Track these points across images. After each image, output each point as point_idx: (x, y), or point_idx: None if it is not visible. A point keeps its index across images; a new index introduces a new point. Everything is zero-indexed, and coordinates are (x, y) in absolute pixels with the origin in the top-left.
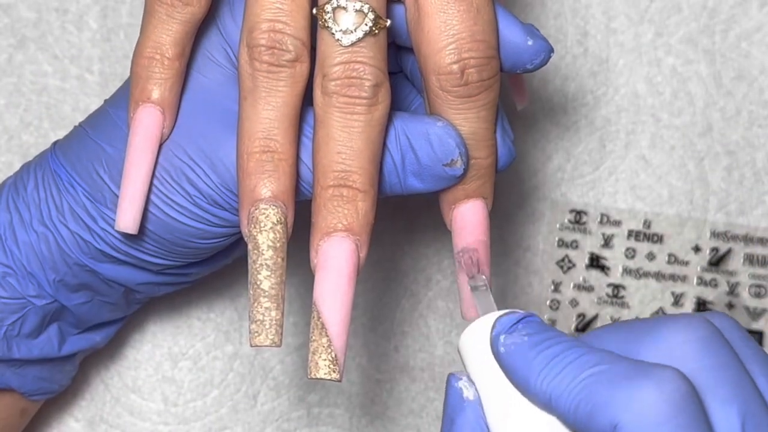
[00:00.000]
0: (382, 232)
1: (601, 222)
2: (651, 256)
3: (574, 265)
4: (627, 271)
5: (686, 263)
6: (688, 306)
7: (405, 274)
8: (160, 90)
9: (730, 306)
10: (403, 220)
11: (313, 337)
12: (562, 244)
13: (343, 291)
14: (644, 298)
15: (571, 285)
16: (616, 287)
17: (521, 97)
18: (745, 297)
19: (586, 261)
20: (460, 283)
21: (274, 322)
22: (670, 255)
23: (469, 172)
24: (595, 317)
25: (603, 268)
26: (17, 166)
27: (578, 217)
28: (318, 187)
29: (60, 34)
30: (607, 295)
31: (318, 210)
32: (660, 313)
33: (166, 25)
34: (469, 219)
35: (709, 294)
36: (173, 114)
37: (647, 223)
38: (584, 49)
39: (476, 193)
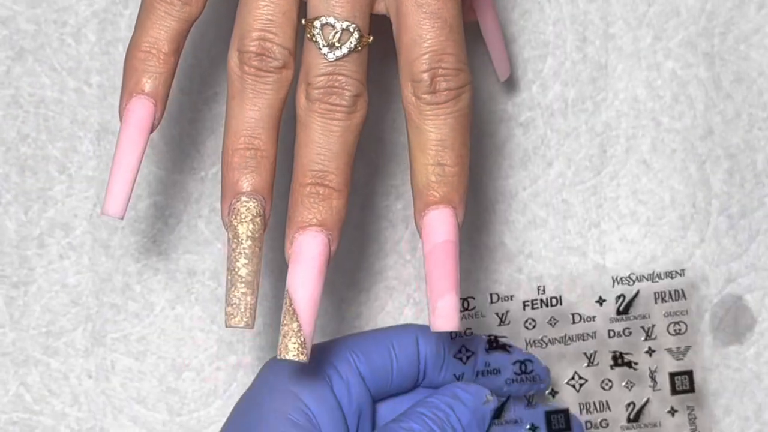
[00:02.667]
0: (385, 241)
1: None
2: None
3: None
4: None
5: (593, 318)
6: (605, 362)
7: (407, 282)
8: (154, 83)
9: (650, 351)
10: (405, 229)
11: (285, 322)
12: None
13: (315, 281)
14: None
15: None
16: None
17: (503, 69)
18: (664, 338)
19: None
20: (429, 295)
21: (249, 306)
22: (573, 315)
23: (435, 177)
24: None
25: None
26: (14, 178)
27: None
28: (296, 184)
29: (58, 47)
30: None
31: (295, 205)
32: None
33: (164, 22)
34: (435, 224)
35: (625, 346)
36: (164, 106)
37: (541, 289)
38: (583, 55)
39: (443, 199)
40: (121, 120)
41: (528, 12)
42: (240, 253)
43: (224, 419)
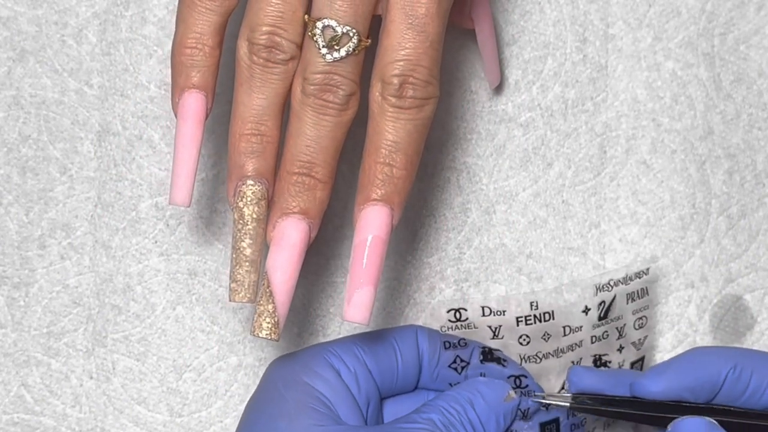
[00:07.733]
0: None
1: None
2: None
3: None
4: None
5: (579, 328)
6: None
7: (408, 283)
8: (203, 76)
9: (621, 348)
10: (405, 229)
11: (261, 302)
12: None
13: (294, 266)
14: None
15: None
16: None
17: (494, 77)
18: (631, 333)
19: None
20: (349, 282)
21: (252, 283)
22: (564, 327)
23: (381, 176)
24: None
25: None
26: (16, 179)
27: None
28: (284, 172)
29: (59, 48)
30: None
31: (281, 191)
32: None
33: (206, 17)
34: (370, 219)
35: (603, 348)
36: (213, 95)
37: (534, 305)
38: (583, 56)
39: (384, 198)
40: (175, 114)
41: (528, 13)
42: (245, 233)
43: (225, 420)
